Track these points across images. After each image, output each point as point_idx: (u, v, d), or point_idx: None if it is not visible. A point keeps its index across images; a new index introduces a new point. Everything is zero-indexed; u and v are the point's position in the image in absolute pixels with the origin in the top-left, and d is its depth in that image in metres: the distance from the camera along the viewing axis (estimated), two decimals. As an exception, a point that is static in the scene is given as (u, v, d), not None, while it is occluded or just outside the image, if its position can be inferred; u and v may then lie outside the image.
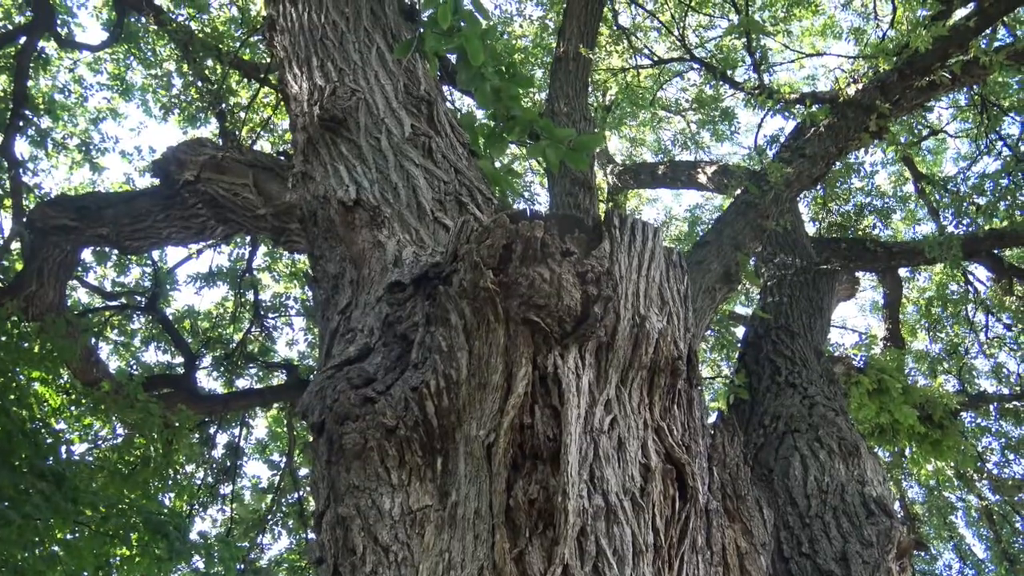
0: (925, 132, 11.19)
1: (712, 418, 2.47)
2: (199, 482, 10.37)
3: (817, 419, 4.47)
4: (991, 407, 12.05)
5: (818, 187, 9.48)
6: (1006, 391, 11.78)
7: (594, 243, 2.23)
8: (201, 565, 8.34)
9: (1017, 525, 11.82)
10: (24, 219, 7.71)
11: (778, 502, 3.75)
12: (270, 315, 11.34)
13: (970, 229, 9.70)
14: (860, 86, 7.12)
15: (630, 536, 1.80)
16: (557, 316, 1.92)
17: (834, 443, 4.18)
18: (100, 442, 9.09)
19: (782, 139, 8.42)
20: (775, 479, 3.95)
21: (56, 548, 6.78)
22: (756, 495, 2.31)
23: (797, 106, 8.00)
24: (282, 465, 11.26)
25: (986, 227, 9.49)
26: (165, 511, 7.59)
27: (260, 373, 11.23)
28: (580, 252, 2.07)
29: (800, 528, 3.61)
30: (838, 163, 8.51)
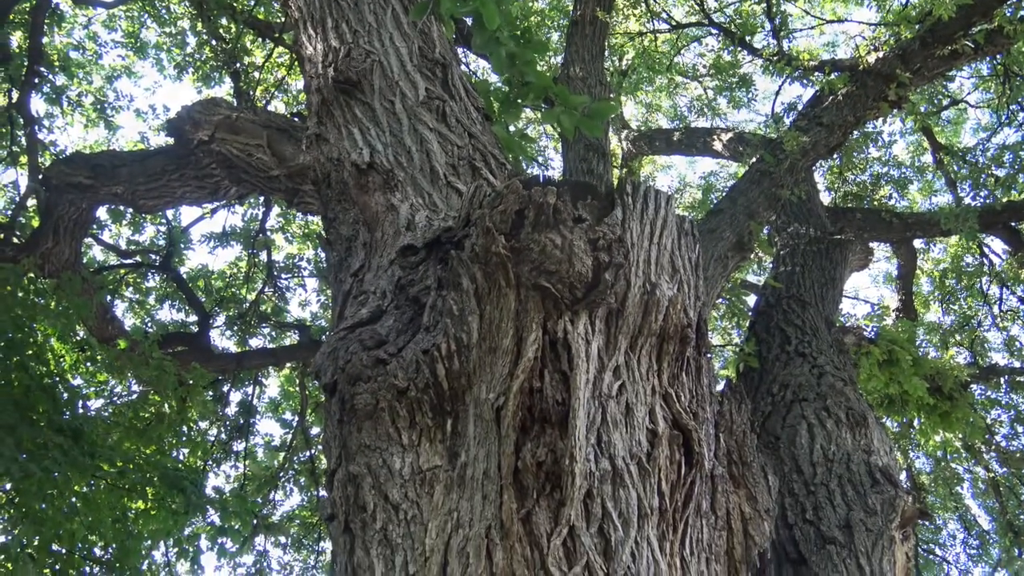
0: (945, 102, 11.04)
1: (720, 386, 2.50)
2: (213, 439, 10.52)
3: (825, 388, 4.49)
4: (1002, 380, 12.04)
5: (834, 156, 9.39)
6: (1018, 364, 11.75)
7: (606, 210, 2.23)
8: (216, 519, 8.49)
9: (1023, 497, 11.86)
10: (40, 176, 7.75)
11: (784, 469, 3.79)
12: (283, 276, 11.41)
13: (988, 201, 9.61)
14: (881, 54, 7.02)
15: (635, 499, 1.83)
16: (568, 282, 1.93)
17: (842, 412, 4.20)
18: (115, 398, 9.23)
19: (800, 107, 8.33)
20: (781, 447, 3.98)
21: (74, 501, 6.92)
22: (762, 462, 2.34)
23: (816, 73, 7.90)
24: (294, 424, 11.41)
25: (1004, 199, 9.40)
26: (180, 466, 7.72)
27: (273, 333, 11.33)
28: (592, 219, 2.08)
29: (805, 495, 3.65)
30: (856, 132, 8.42)
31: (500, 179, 2.98)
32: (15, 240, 7.77)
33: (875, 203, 10.26)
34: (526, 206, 1.97)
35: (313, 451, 10.94)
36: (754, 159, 6.87)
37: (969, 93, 11.44)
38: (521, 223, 1.98)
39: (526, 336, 1.92)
